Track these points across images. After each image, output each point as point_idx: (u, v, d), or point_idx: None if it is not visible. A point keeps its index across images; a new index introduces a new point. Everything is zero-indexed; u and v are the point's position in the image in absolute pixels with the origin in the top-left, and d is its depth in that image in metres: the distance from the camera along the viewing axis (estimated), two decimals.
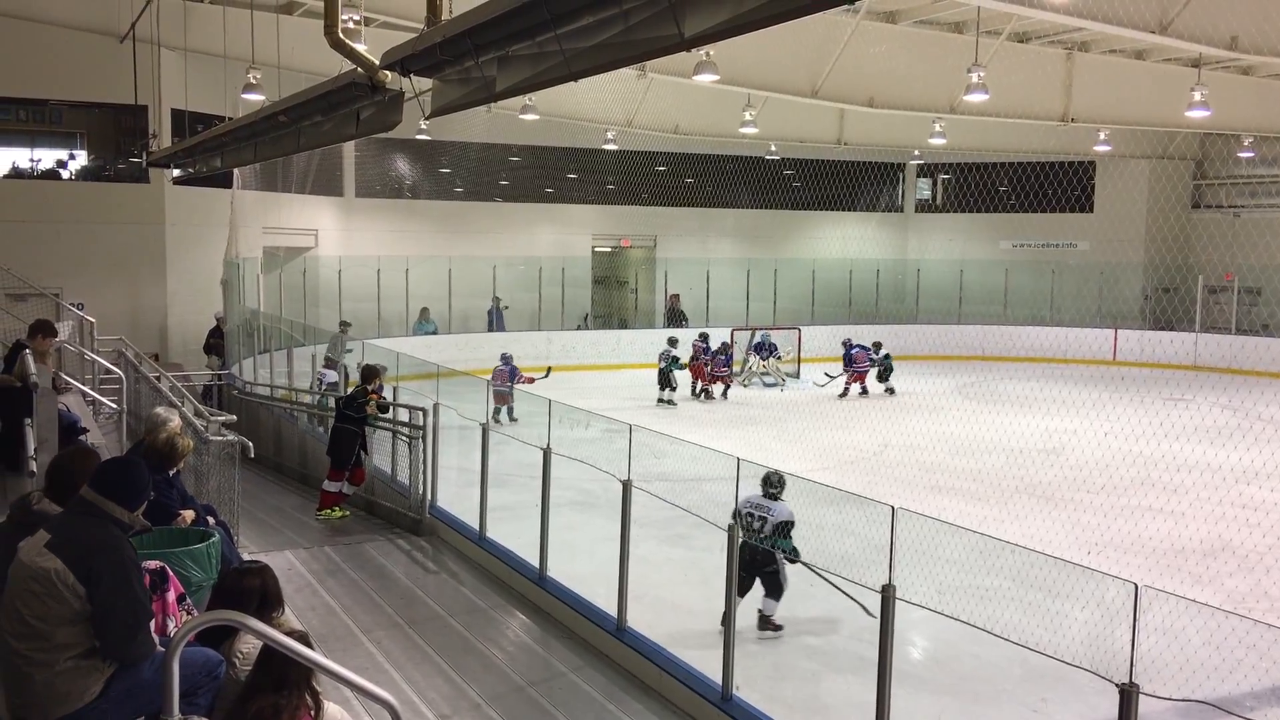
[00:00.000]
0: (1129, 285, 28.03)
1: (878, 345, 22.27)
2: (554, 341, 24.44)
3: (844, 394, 21.46)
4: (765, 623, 8.47)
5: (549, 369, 19.44)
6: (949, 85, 18.20)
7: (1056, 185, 27.70)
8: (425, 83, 8.47)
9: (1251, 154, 26.50)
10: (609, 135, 24.02)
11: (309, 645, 3.87)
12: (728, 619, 6.71)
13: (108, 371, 12.41)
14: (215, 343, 20.54)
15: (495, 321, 25.48)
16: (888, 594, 5.62)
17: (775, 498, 8.43)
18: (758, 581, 8.42)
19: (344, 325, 21.15)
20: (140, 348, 14.96)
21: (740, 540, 7.12)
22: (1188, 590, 8.90)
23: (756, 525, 8.29)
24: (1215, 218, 28.35)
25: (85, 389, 11.86)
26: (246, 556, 7.13)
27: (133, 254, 20.19)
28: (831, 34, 17.50)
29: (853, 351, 21.59)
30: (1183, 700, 5.77)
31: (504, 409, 16.46)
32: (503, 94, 7.37)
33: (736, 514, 7.48)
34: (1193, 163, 29.26)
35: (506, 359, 18.83)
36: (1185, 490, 13.12)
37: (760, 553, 8.22)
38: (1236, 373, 23.79)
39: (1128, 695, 4.52)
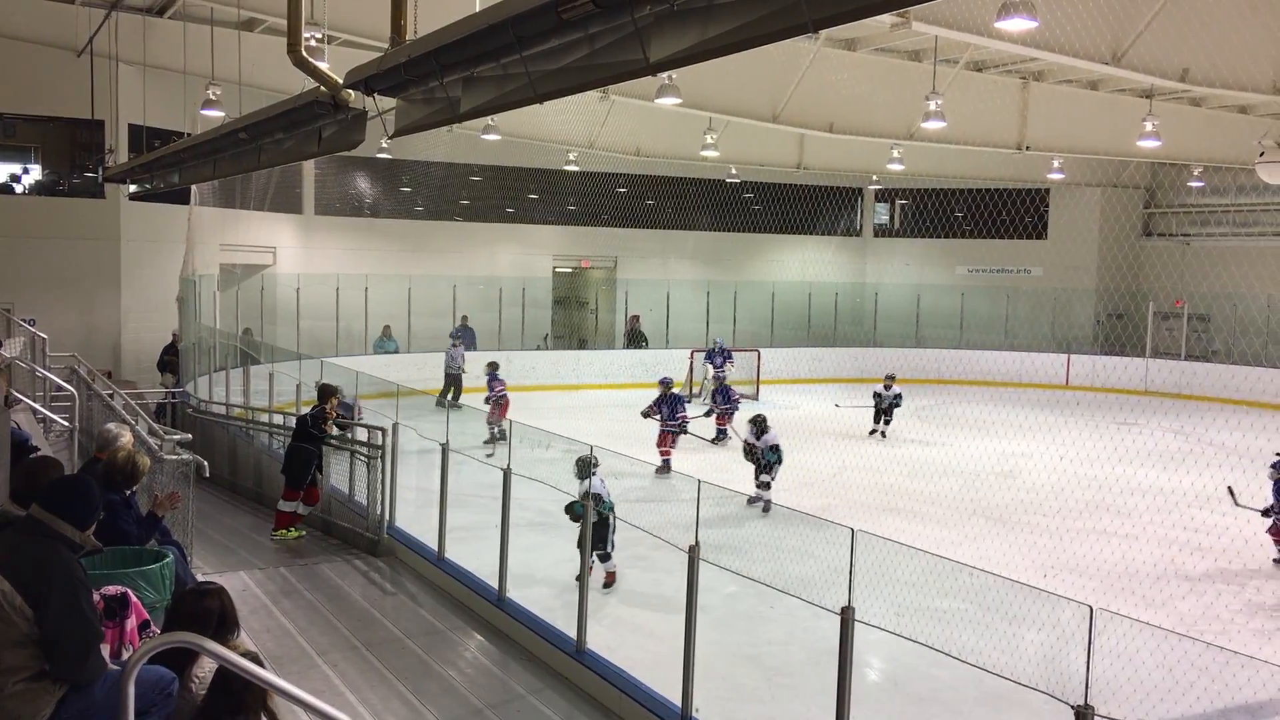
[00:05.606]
0: (1081, 311, 28.48)
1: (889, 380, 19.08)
2: (514, 361, 24.31)
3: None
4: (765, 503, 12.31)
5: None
6: (907, 112, 18.41)
7: (1011, 212, 28.10)
8: (388, 102, 8.47)
9: (1201, 184, 26.98)
10: (570, 156, 24.04)
11: (261, 666, 3.84)
12: (687, 642, 6.68)
13: (59, 389, 12.20)
14: (170, 360, 20.28)
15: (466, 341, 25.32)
16: (846, 616, 5.65)
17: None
18: None
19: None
20: (93, 364, 14.73)
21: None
22: (1139, 613, 9.02)
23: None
24: (1166, 245, 28.87)
25: (36, 406, 11.66)
26: (201, 577, 7.04)
27: (87, 270, 19.96)
28: (792, 60, 17.67)
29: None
30: None
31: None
32: (467, 115, 7.37)
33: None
34: (1144, 191, 29.80)
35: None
36: (1136, 514, 13.32)
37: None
38: (1186, 398, 24.23)
39: (1083, 717, 4.57)
